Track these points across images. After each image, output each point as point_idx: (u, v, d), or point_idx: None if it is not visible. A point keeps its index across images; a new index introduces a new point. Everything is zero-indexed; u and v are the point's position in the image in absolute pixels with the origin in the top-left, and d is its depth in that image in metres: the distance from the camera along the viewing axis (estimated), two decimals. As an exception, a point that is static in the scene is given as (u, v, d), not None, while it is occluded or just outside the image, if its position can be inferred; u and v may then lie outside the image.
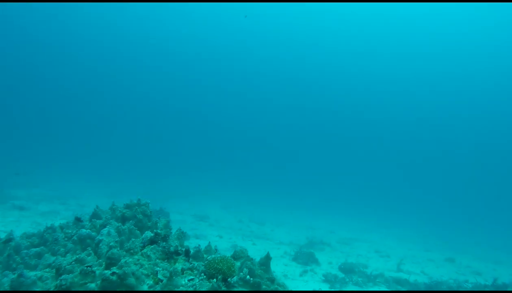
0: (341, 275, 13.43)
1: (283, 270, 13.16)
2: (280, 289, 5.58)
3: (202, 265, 5.23)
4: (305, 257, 15.05)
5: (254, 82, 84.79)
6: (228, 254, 14.03)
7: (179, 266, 5.23)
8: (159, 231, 5.65)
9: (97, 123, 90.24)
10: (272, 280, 5.55)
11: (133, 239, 5.42)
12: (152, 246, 5.47)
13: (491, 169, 78.37)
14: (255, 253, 15.70)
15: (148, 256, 5.20)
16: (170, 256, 5.49)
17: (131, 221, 6.64)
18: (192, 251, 5.89)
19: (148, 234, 5.77)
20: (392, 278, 13.22)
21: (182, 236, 6.72)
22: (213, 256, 5.41)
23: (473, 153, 78.13)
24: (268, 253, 5.81)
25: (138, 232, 6.45)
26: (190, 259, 5.79)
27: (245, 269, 5.09)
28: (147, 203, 7.33)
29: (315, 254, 15.93)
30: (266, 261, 5.77)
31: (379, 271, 15.33)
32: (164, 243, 5.57)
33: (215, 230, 20.98)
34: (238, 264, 5.75)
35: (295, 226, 29.57)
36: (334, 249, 20.25)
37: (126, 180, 46.76)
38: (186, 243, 15.51)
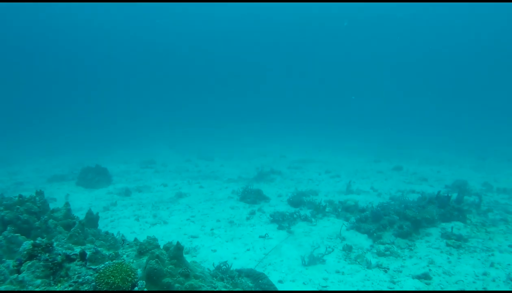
0: (290, 210, 13.02)
1: (229, 215, 12.53)
2: (197, 281, 4.71)
3: (93, 280, 4.19)
4: (252, 196, 14.49)
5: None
6: (172, 208, 13.13)
7: (64, 284, 4.17)
8: (38, 241, 4.48)
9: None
10: (187, 275, 4.63)
11: (-6, 264, 4.22)
12: (31, 263, 4.33)
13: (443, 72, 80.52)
14: (201, 197, 14.93)
15: (21, 282, 4.08)
16: (57, 269, 4.40)
17: (9, 228, 5.39)
18: (89, 252, 4.80)
19: (26, 245, 4.59)
20: (342, 205, 12.96)
21: (82, 228, 5.58)
22: (107, 263, 4.37)
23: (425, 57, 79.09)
24: (178, 242, 4.83)
25: (23, 238, 5.25)
26: (88, 263, 4.73)
27: (140, 281, 4.10)
28: (32, 197, 6.05)
29: (264, 190, 15.42)
30: (176, 252, 4.81)
31: (329, 197, 15.12)
32: (47, 255, 4.44)
33: (160, 178, 19.95)
34: (144, 260, 4.76)
35: (245, 156, 29.09)
36: (284, 177, 19.93)
37: (67, 137, 44.01)
38: (126, 201, 14.40)
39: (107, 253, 5.01)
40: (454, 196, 11.88)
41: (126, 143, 37.04)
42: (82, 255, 4.81)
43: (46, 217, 5.76)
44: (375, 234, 9.86)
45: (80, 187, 17.49)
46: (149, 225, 11.56)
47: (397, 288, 7.09)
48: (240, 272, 7.10)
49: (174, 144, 36.40)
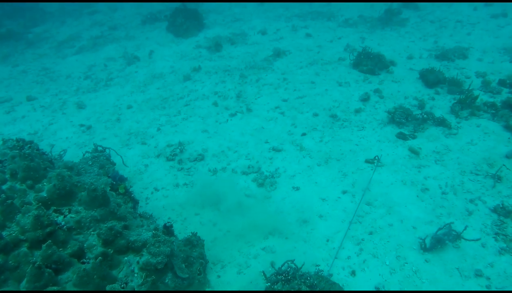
0: (421, 92, 9.25)
1: (334, 99, 9.34)
2: None
3: None
4: (370, 62, 10.68)
5: None
6: (263, 80, 10.32)
7: None
8: None
9: None
10: None
11: None
12: None
13: None
14: (304, 56, 11.81)
15: None
16: None
17: None
18: None
19: None
20: (503, 84, 8.72)
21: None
22: None
23: None
24: None
25: None
26: None
27: None
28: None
29: (388, 46, 11.40)
30: None
31: (485, 62, 10.52)
32: None
33: (263, 16, 16.52)
34: None
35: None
36: (421, 16, 14.84)
37: None
38: (212, 63, 11.93)
39: None
40: None
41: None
42: None
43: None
44: (557, 181, 6.07)
45: (170, 34, 15.27)
46: (227, 115, 9.16)
47: None
48: (319, 279, 4.61)
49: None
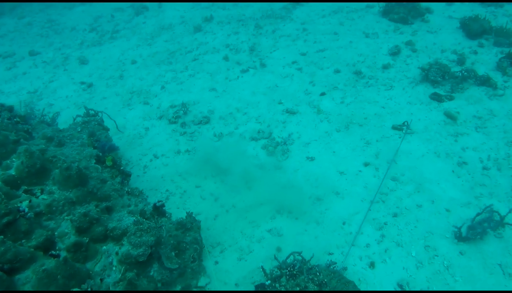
0: (461, 45, 8.01)
1: (359, 53, 8.24)
2: None
3: None
4: (403, 9, 9.38)
5: None
6: (280, 31, 9.25)
7: None
8: None
9: None
10: None
11: None
12: None
13: None
14: (327, 5, 10.51)
15: None
16: None
17: None
18: None
19: None
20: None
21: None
22: None
23: None
24: None
25: None
26: None
27: None
28: None
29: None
30: None
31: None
32: None
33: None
34: None
35: None
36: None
37: None
38: (225, 12, 10.85)
39: None
40: None
41: None
42: None
43: None
44: None
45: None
46: (238, 71, 8.25)
47: None
48: (331, 276, 3.88)
49: None
